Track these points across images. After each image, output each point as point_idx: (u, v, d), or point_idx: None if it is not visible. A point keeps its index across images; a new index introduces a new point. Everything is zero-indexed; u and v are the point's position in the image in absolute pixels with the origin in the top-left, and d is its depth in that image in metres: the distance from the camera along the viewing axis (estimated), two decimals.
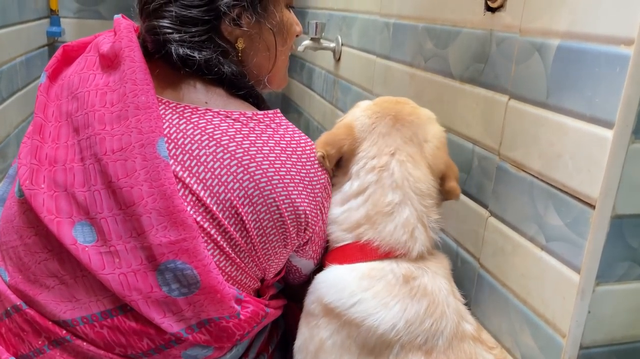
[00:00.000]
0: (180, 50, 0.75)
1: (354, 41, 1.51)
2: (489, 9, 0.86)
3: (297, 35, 0.90)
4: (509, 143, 0.82)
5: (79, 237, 0.70)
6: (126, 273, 0.70)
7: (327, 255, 0.83)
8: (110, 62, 0.78)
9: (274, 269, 0.80)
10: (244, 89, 0.81)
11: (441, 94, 1.02)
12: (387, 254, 0.77)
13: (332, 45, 1.63)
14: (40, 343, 0.72)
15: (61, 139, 0.75)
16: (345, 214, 0.80)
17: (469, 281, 0.93)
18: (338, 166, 0.83)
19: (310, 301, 0.79)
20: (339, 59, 1.62)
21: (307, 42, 1.60)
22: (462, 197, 0.95)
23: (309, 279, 0.89)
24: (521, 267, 0.79)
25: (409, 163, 0.79)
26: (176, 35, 0.75)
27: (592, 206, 0.66)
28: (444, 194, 0.82)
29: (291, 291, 0.91)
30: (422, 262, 0.78)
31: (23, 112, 1.62)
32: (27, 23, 1.73)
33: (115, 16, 0.84)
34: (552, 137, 0.72)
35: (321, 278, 0.79)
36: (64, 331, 0.72)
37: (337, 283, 0.76)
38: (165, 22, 0.75)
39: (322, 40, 1.61)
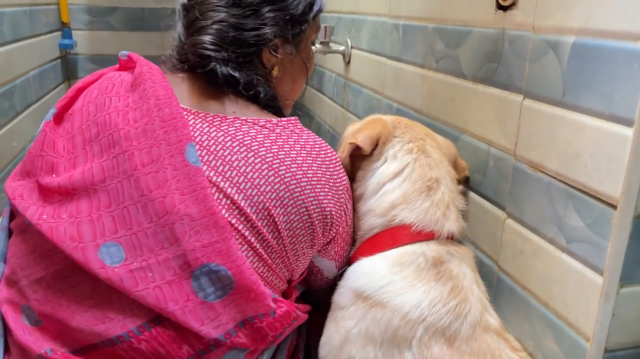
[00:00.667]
0: (224, 69, 0.78)
1: (363, 43, 1.50)
2: (500, 7, 0.85)
3: None
4: (525, 143, 0.80)
5: (106, 260, 0.70)
6: (161, 286, 0.70)
7: (357, 249, 0.84)
8: (130, 87, 0.79)
9: (300, 269, 0.82)
10: (273, 108, 0.84)
11: (454, 95, 1.00)
12: (418, 235, 0.78)
13: (342, 48, 1.62)
14: None
15: (77, 167, 0.75)
16: (379, 199, 0.82)
17: (487, 284, 0.91)
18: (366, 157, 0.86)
19: (340, 293, 0.81)
20: (349, 62, 1.62)
21: (317, 46, 1.60)
22: (478, 199, 0.94)
23: (331, 287, 0.90)
24: (542, 269, 0.78)
25: (437, 149, 0.85)
26: (224, 54, 0.79)
27: (614, 206, 0.64)
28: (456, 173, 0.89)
29: (313, 300, 0.91)
30: (452, 247, 0.80)
31: (37, 126, 1.63)
32: (40, 36, 1.75)
33: (121, 53, 0.86)
34: (570, 137, 0.71)
35: (352, 270, 0.81)
36: None
37: (368, 271, 0.78)
38: (210, 39, 0.79)
39: (331, 44, 1.60)
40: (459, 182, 0.89)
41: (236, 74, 0.79)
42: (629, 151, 0.61)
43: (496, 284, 0.90)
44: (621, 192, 0.63)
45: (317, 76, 2.05)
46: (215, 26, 0.79)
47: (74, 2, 2.09)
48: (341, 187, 0.81)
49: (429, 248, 0.78)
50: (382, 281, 0.75)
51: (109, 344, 0.72)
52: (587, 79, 0.68)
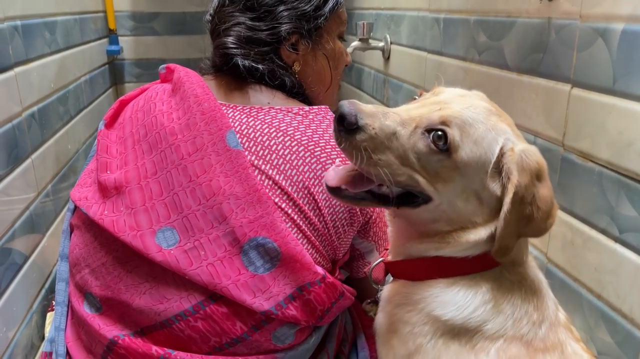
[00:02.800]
0: (246, 62, 0.85)
1: (403, 39, 1.50)
2: None
3: (346, 65, 0.99)
4: (574, 133, 0.79)
5: (162, 244, 0.76)
6: (213, 263, 0.75)
7: (418, 266, 0.76)
8: (171, 92, 0.87)
9: (343, 248, 0.85)
10: (301, 95, 0.89)
11: (498, 87, 1.00)
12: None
13: (381, 44, 1.63)
14: None
15: (129, 164, 0.83)
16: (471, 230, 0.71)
17: None
18: None
19: (406, 310, 0.74)
20: (389, 57, 1.62)
21: (355, 43, 1.61)
22: None
23: (366, 289, 0.89)
24: (594, 261, 0.77)
25: None
26: (243, 51, 0.85)
27: None
28: None
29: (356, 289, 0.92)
30: (524, 262, 0.75)
31: (89, 129, 1.71)
32: (89, 43, 1.82)
33: (160, 67, 0.93)
34: (621, 125, 0.70)
35: (426, 294, 0.73)
36: (158, 352, 0.77)
37: (454, 301, 0.71)
38: (231, 39, 0.86)
39: (370, 40, 1.61)
40: None
41: (258, 66, 0.85)
42: None
43: (545, 276, 0.89)
44: None
45: (356, 73, 2.06)
46: (235, 28, 0.86)
47: (120, 9, 2.17)
48: None
49: (509, 273, 0.72)
50: (474, 314, 0.70)
51: (167, 325, 0.77)
52: (639, 66, 0.66)
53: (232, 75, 0.87)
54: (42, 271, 1.17)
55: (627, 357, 0.71)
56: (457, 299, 0.71)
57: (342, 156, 0.79)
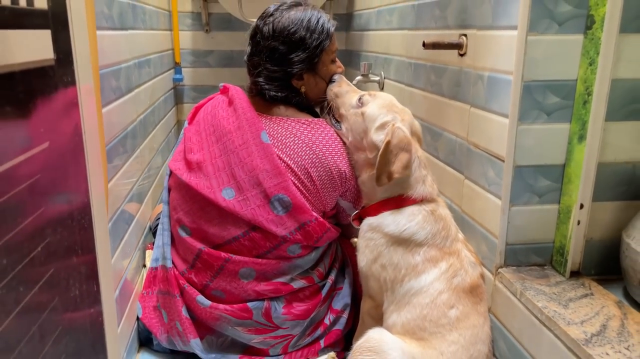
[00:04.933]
0: (271, 93, 1.43)
1: (391, 75, 2.10)
2: (460, 54, 1.43)
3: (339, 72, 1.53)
4: (472, 133, 1.37)
5: (225, 196, 1.35)
6: (254, 208, 1.33)
7: (373, 208, 1.33)
8: (228, 103, 1.46)
9: (330, 205, 1.41)
10: (307, 108, 1.47)
11: (440, 107, 1.58)
12: (420, 201, 1.30)
13: (377, 79, 2.22)
14: (215, 269, 1.37)
15: (203, 149, 1.42)
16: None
17: (456, 222, 1.47)
18: None
19: (371, 233, 1.31)
20: (382, 88, 2.21)
21: (359, 77, 2.21)
22: (452, 170, 1.51)
23: (346, 228, 1.47)
24: (480, 205, 1.34)
25: (419, 145, 1.36)
26: (267, 86, 1.43)
27: (503, 161, 1.20)
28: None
29: (343, 231, 1.50)
30: (436, 201, 1.33)
31: (163, 135, 2.33)
32: (164, 73, 2.47)
33: (220, 84, 1.53)
34: (487, 126, 1.28)
35: (378, 221, 1.30)
36: (224, 255, 1.35)
37: (392, 222, 1.28)
38: (261, 79, 1.43)
39: (370, 75, 2.21)
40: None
41: (278, 94, 1.41)
42: (507, 129, 1.18)
43: (461, 222, 1.45)
44: (506, 153, 1.19)
45: None
46: (263, 72, 1.41)
47: (184, 47, 2.83)
48: (348, 158, 1.39)
49: (426, 206, 1.29)
50: (404, 227, 1.25)
51: (228, 243, 1.36)
52: (494, 94, 1.25)
53: (263, 99, 1.44)
54: (142, 226, 1.77)
55: (491, 255, 1.28)
56: (395, 221, 1.29)
57: (330, 149, 1.36)
